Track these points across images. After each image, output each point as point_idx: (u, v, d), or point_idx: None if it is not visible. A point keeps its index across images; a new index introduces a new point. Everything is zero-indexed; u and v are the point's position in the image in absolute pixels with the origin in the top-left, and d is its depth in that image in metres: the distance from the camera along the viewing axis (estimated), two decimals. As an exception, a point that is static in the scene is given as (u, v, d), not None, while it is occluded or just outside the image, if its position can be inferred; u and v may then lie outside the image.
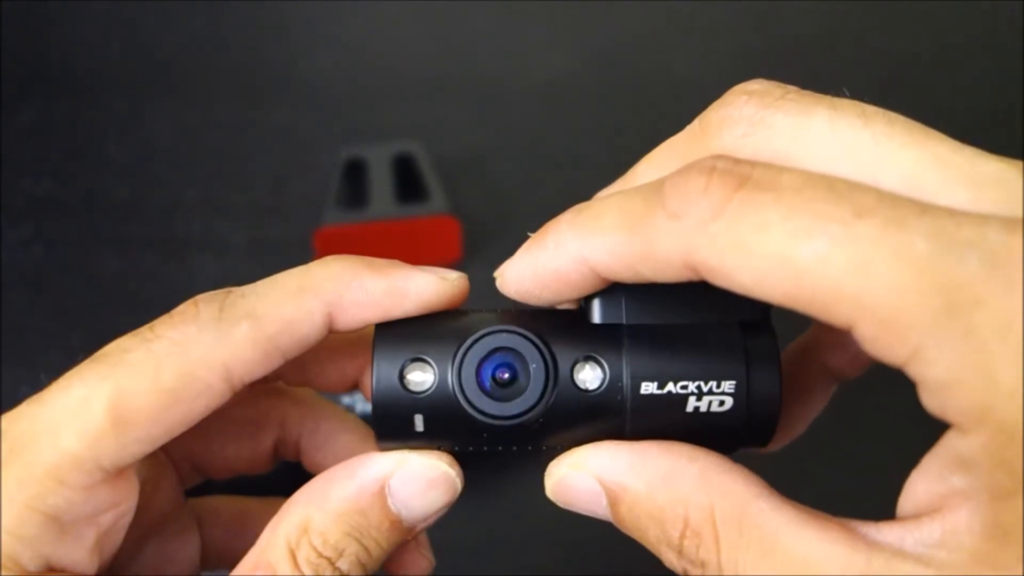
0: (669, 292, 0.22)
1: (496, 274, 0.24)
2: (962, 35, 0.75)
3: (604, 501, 0.22)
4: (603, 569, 0.43)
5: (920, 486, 0.19)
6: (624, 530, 0.22)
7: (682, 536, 0.20)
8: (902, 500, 0.19)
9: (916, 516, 0.19)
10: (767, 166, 0.19)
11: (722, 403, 0.22)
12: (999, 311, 0.16)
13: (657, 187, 0.20)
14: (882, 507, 0.20)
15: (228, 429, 0.28)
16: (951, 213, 0.17)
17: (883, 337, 0.17)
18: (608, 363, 0.22)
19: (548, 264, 0.22)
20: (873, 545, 0.19)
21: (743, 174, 0.19)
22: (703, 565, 0.20)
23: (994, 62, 0.72)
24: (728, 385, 0.22)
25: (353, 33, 0.75)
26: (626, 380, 0.22)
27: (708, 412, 0.22)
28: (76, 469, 0.21)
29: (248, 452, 0.29)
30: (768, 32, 0.75)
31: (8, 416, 0.22)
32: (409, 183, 0.56)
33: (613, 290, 0.22)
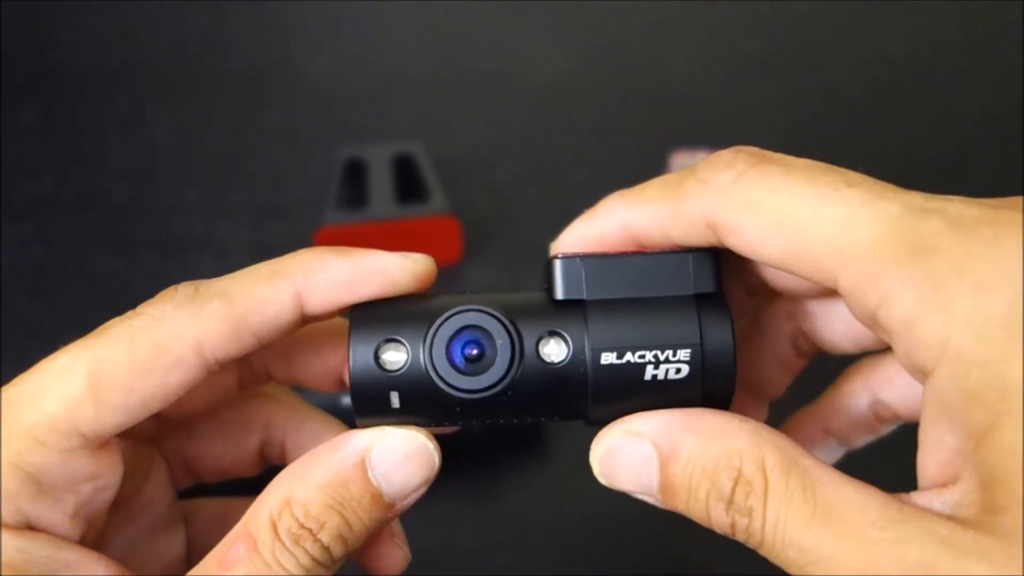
0: (627, 268, 0.24)
1: (553, 244, 0.26)
2: (962, 35, 0.75)
3: (655, 464, 0.23)
4: (603, 569, 0.43)
5: (928, 461, 0.20)
6: (669, 498, 0.23)
7: (736, 484, 0.21)
8: (920, 480, 0.21)
9: (940, 485, 0.20)
10: (783, 154, 0.23)
11: (678, 371, 0.23)
12: (955, 256, 0.19)
13: (692, 167, 0.24)
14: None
15: (217, 429, 0.29)
16: (924, 195, 0.21)
17: (860, 285, 0.20)
18: (571, 336, 0.23)
19: (596, 229, 0.25)
20: (906, 501, 0.20)
21: (763, 154, 0.23)
22: (750, 512, 0.21)
23: (994, 62, 0.72)
24: (683, 353, 0.23)
25: (353, 33, 0.75)
26: (587, 352, 0.23)
27: (666, 380, 0.23)
28: (54, 431, 0.23)
29: (236, 452, 0.30)
30: (767, 32, 0.75)
31: (3, 387, 0.24)
32: (409, 183, 0.56)
33: (574, 267, 0.24)
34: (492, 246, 0.56)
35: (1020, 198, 0.20)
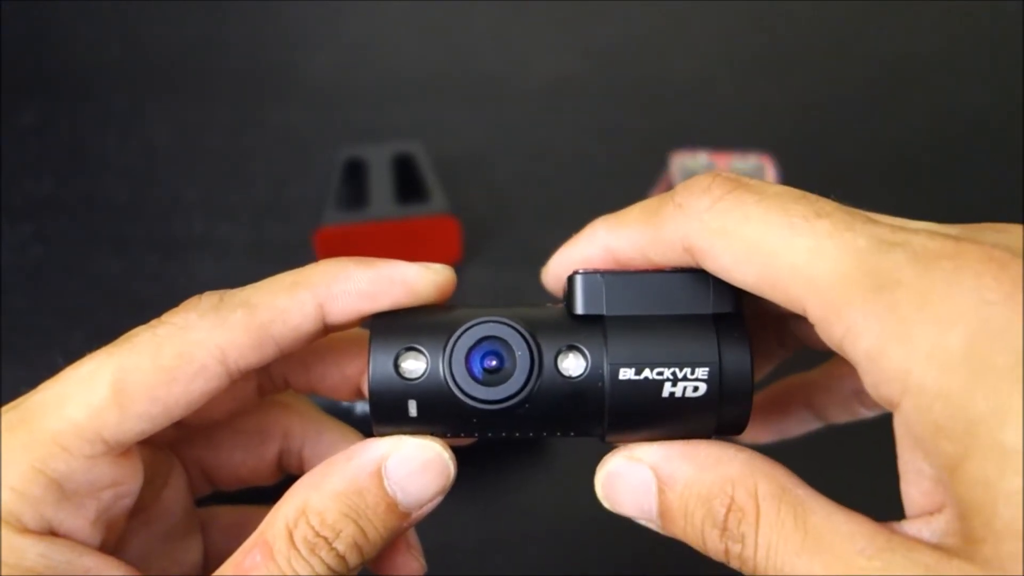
0: (647, 286, 0.24)
1: (542, 270, 0.27)
2: (962, 35, 0.75)
3: (654, 490, 0.23)
4: (603, 569, 0.43)
5: (912, 491, 0.21)
6: (667, 524, 0.23)
7: (728, 511, 0.22)
8: (907, 509, 0.21)
9: (927, 514, 0.20)
10: (759, 180, 0.23)
11: (696, 389, 0.23)
12: (916, 291, 0.19)
13: (671, 191, 0.24)
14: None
15: (235, 437, 0.30)
16: (891, 225, 0.21)
17: (827, 315, 0.20)
18: (590, 351, 0.23)
19: (582, 253, 0.26)
20: (895, 530, 0.20)
21: (739, 180, 0.23)
22: (743, 539, 0.22)
23: (994, 62, 0.72)
24: (701, 371, 0.23)
25: (353, 33, 0.75)
26: (606, 367, 0.23)
27: (683, 397, 0.23)
28: (79, 438, 0.23)
29: (254, 461, 0.30)
30: (767, 32, 0.75)
31: (27, 394, 0.24)
32: (409, 183, 0.56)
33: (595, 283, 0.24)
34: (492, 246, 0.56)
35: (986, 226, 0.21)
